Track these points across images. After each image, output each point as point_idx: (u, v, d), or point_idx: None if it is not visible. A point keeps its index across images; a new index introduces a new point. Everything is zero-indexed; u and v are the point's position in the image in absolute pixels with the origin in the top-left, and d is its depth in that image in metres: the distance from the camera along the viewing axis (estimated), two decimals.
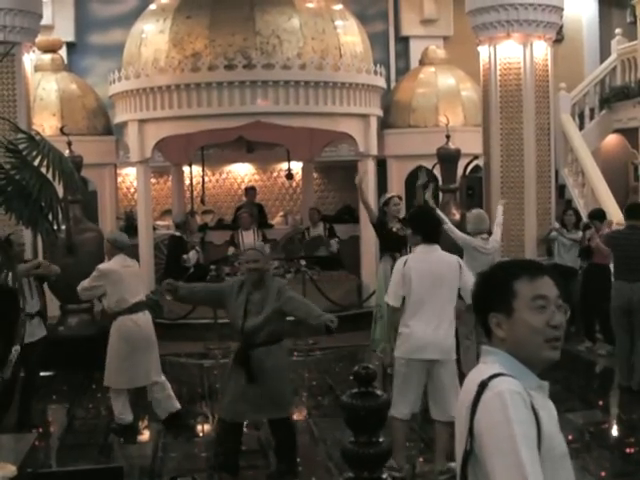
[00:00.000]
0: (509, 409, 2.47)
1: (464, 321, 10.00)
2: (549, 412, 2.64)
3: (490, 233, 10.38)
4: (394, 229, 10.81)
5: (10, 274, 6.32)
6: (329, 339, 12.59)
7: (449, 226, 10.26)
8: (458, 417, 2.71)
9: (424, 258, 7.09)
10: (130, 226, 15.21)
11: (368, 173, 13.64)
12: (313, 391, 10.62)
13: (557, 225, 12.92)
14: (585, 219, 13.15)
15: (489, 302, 2.72)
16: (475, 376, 2.67)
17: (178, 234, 14.44)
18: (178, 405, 8.88)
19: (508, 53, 12.61)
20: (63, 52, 16.36)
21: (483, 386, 2.57)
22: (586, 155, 15.71)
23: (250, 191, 16.92)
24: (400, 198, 11.40)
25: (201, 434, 8.94)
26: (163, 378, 8.85)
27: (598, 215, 12.18)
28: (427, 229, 7.21)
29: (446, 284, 7.00)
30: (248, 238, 14.85)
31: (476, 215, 10.47)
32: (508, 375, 2.58)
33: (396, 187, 15.30)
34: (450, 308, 7.04)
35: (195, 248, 14.38)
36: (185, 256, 13.99)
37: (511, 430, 2.45)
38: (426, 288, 6.96)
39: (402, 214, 11.07)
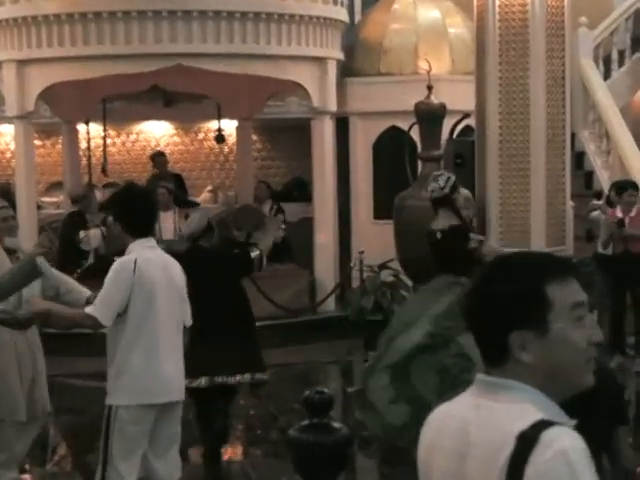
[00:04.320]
0: (578, 474, 2.41)
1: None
2: None
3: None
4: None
5: None
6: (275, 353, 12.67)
7: None
8: (467, 474, 2.58)
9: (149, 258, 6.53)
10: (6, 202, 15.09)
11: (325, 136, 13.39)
12: (251, 423, 10.65)
13: (599, 202, 12.92)
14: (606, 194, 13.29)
15: (509, 316, 2.57)
16: (501, 421, 2.55)
17: (77, 209, 14.37)
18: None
19: None
20: None
21: (529, 440, 2.45)
22: (613, 113, 15.82)
23: (158, 158, 16.81)
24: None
25: None
26: None
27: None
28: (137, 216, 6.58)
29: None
30: (167, 222, 14.70)
31: (466, 197, 10.33)
32: (559, 423, 2.49)
33: (361, 154, 15.33)
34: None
35: (100, 227, 14.26)
36: (82, 233, 13.81)
37: None
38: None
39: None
